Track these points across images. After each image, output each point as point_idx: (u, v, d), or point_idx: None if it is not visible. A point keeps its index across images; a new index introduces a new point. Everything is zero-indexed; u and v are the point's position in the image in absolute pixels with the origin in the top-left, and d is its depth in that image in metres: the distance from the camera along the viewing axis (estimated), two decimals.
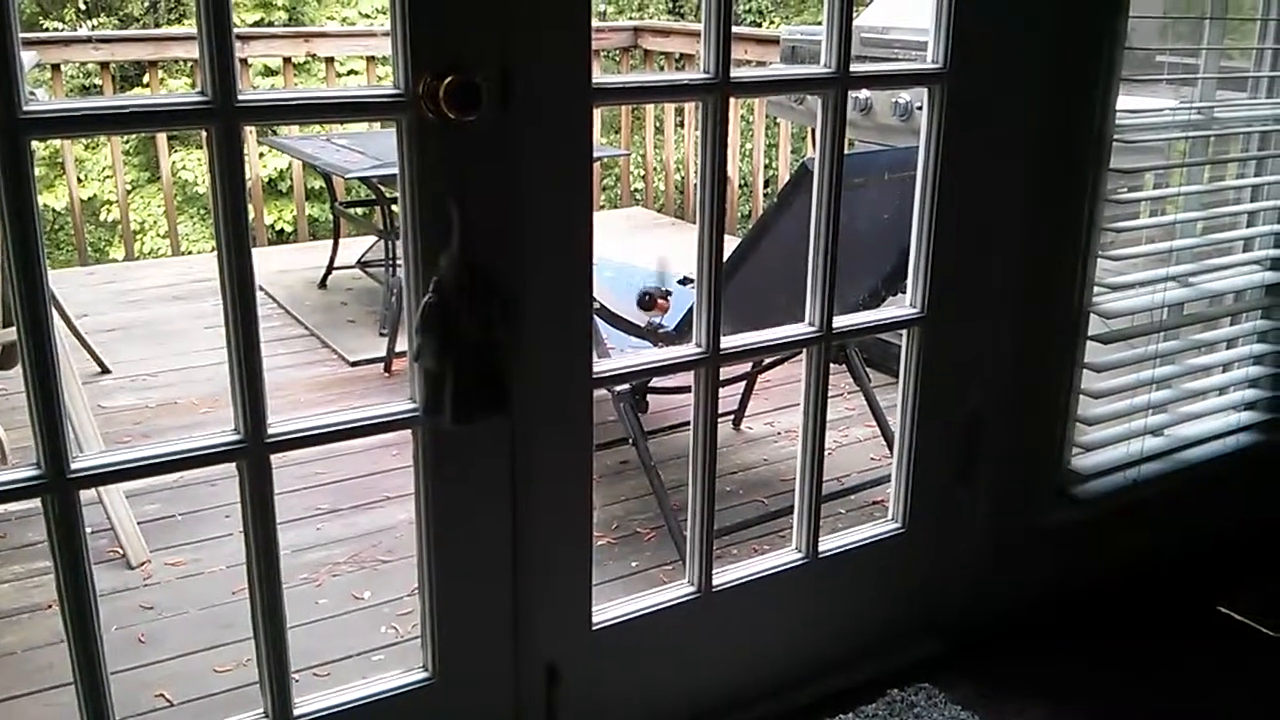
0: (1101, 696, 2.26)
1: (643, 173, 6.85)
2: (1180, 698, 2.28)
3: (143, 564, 2.77)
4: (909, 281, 2.13)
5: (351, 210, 5.31)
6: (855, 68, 1.90)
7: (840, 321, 2.05)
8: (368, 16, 10.90)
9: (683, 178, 6.88)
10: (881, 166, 2.77)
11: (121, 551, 2.77)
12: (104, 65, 5.78)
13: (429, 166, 1.52)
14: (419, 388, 1.60)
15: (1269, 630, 2.52)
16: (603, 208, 7.44)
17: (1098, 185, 2.24)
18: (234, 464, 1.57)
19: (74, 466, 1.47)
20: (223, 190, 1.45)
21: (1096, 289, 2.33)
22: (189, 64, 7.38)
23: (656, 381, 2.81)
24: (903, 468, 2.23)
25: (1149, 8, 2.35)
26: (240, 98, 1.43)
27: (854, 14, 1.87)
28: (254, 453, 1.55)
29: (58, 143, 5.91)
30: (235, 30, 1.42)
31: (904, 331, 2.16)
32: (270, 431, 1.55)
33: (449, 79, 1.46)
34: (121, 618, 2.55)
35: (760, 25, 11.82)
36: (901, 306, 2.17)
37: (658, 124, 6.71)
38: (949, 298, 2.12)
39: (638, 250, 5.33)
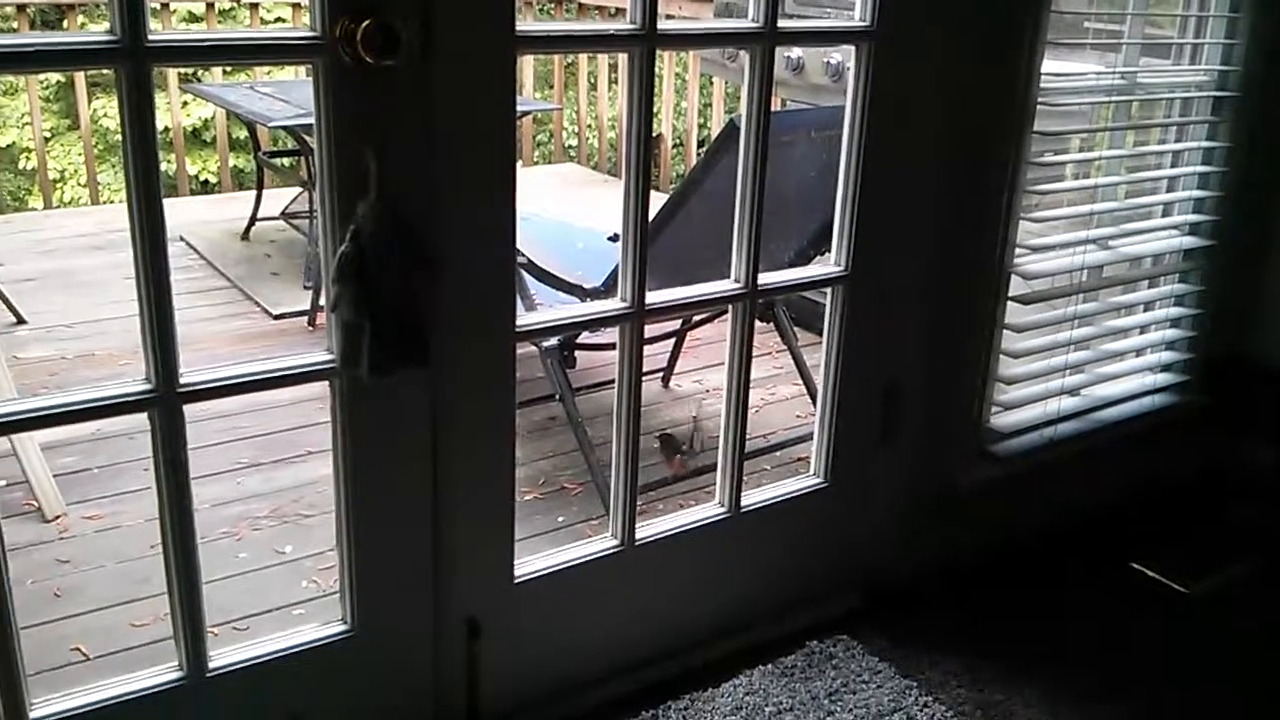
0: (1014, 649, 2.31)
1: (577, 129, 6.79)
2: (1090, 651, 2.33)
3: (58, 517, 2.72)
4: (833, 240, 2.14)
5: (276, 160, 5.20)
6: (784, 24, 1.89)
7: (765, 279, 2.05)
8: None
9: (617, 134, 6.85)
10: (809, 125, 2.77)
11: (37, 504, 2.71)
12: (21, 8, 5.59)
13: (346, 112, 1.49)
14: (336, 339, 1.57)
15: (1179, 586, 2.59)
16: (536, 163, 7.37)
17: (1021, 148, 2.26)
18: (145, 414, 1.54)
19: None
20: (133, 134, 1.41)
21: (1018, 250, 2.36)
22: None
23: (584, 338, 2.80)
24: (825, 424, 2.25)
25: None
26: (151, 38, 1.38)
27: None
28: (165, 402, 1.52)
29: None
30: None
31: (828, 289, 2.17)
32: (182, 381, 1.52)
33: (366, 21, 1.43)
34: (36, 571, 2.51)
35: None
36: (826, 265, 2.18)
37: (592, 80, 6.66)
38: (872, 256, 2.13)
39: (570, 206, 5.31)
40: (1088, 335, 2.61)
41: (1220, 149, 2.63)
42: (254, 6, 6.00)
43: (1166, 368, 2.79)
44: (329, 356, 1.61)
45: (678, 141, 6.27)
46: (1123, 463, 2.71)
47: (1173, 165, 2.69)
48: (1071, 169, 2.63)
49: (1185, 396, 2.78)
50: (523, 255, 2.62)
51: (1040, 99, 2.25)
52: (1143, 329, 2.78)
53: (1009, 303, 2.38)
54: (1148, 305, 2.78)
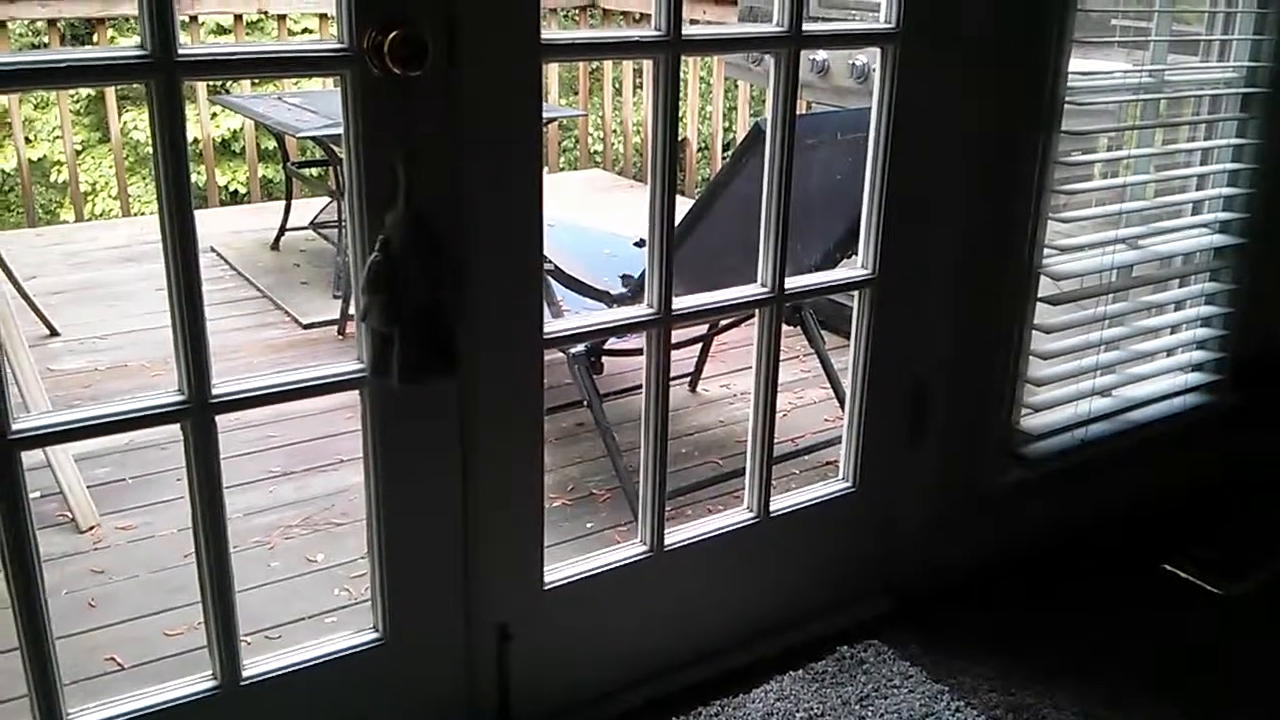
0: (1045, 653, 2.29)
1: (602, 135, 6.81)
2: (1122, 653, 2.31)
3: (92, 528, 2.74)
4: (860, 243, 2.13)
5: (305, 170, 5.24)
6: (809, 27, 1.89)
7: (792, 283, 2.05)
8: None
9: (642, 139, 6.85)
10: (834, 127, 2.76)
11: (71, 515, 2.74)
12: (51, 23, 5.64)
13: (374, 123, 1.50)
14: (366, 348, 1.58)
15: (1213, 587, 2.56)
16: (562, 170, 7.39)
17: (1049, 148, 2.24)
18: (178, 425, 1.55)
19: (15, 427, 1.45)
20: (163, 146, 1.42)
21: (1047, 251, 2.35)
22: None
23: (612, 344, 2.81)
24: (853, 428, 2.24)
25: None
26: (181, 51, 1.40)
27: None
28: (198, 414, 1.54)
29: (4, 102, 5.77)
30: None
31: (855, 293, 2.17)
32: (215, 392, 1.54)
33: (394, 33, 1.44)
34: (71, 582, 2.53)
35: None
36: (853, 268, 2.17)
37: (616, 85, 6.66)
38: (900, 259, 2.13)
39: (596, 212, 5.32)
40: (1118, 336, 2.60)
41: (1250, 146, 2.61)
42: (281, 17, 6.05)
43: (1198, 367, 2.76)
44: (359, 365, 1.62)
45: (703, 146, 6.27)
46: (1154, 463, 2.68)
47: (1202, 163, 2.67)
48: (1100, 168, 2.61)
49: (1217, 396, 2.76)
50: (549, 262, 2.62)
51: (1067, 98, 2.24)
52: (1173, 329, 2.75)
53: (1038, 304, 2.37)
54: (1178, 305, 2.75)
